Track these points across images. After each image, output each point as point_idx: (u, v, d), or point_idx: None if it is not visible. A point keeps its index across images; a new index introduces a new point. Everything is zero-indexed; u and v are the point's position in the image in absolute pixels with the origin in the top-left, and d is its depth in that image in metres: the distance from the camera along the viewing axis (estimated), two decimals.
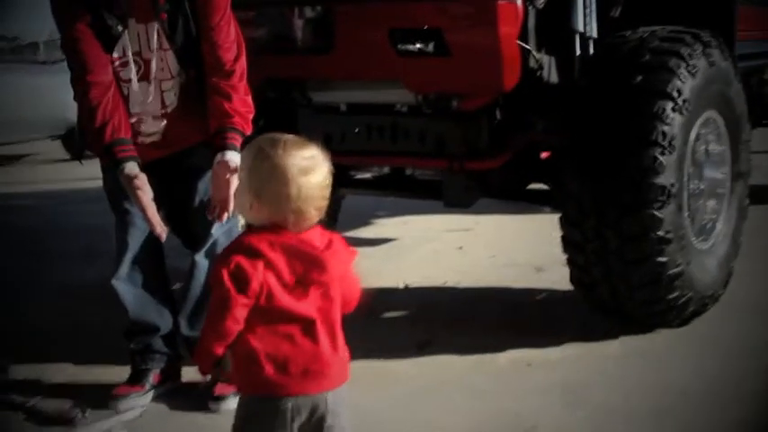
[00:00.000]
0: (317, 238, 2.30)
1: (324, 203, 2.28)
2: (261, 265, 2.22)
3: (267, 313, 2.25)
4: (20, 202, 9.06)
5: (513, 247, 6.12)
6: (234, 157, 3.38)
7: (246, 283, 2.21)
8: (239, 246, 2.28)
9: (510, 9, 3.89)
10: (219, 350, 2.29)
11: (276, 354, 2.26)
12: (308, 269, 2.25)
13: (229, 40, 3.55)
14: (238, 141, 3.44)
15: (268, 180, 2.24)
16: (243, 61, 3.59)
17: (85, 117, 3.51)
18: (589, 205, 3.96)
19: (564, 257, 4.25)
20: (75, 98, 3.54)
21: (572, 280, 4.24)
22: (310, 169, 2.24)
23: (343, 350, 2.36)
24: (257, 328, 2.26)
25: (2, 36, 17.48)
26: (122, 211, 3.66)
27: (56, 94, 9.30)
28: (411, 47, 4.02)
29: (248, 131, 3.52)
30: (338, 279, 2.32)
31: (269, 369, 2.25)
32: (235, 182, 3.24)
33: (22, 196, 9.46)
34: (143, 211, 3.39)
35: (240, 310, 2.24)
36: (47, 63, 13.08)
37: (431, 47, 3.99)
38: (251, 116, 3.58)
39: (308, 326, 2.28)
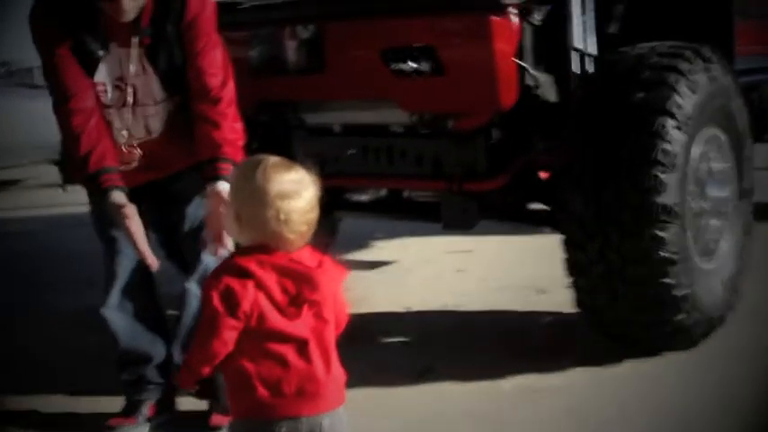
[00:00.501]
0: (307, 257, 2.30)
1: (305, 228, 2.27)
2: (251, 285, 2.22)
3: (259, 334, 2.24)
4: (14, 227, 9.02)
5: (514, 270, 6.02)
6: (226, 188, 3.29)
7: (236, 304, 2.21)
8: (229, 267, 2.28)
9: (505, 25, 3.79)
10: (205, 371, 2.31)
11: (269, 375, 2.24)
12: (299, 288, 2.25)
13: (215, 65, 3.44)
14: (229, 171, 3.32)
15: (248, 203, 2.27)
16: (231, 87, 3.47)
17: (69, 145, 3.41)
18: (591, 226, 3.87)
19: (567, 279, 4.16)
20: (58, 123, 3.44)
21: (576, 303, 4.14)
22: (293, 193, 2.25)
23: (339, 371, 2.35)
24: (249, 350, 2.25)
25: None
26: (109, 239, 3.56)
27: (50, 119, 9.17)
28: (404, 66, 3.93)
29: (239, 158, 3.39)
30: (331, 298, 2.32)
31: (262, 391, 2.24)
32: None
33: (16, 221, 9.43)
34: (132, 241, 3.28)
35: (229, 332, 2.24)
36: (41, 87, 12.98)
37: (424, 65, 3.90)
38: (241, 143, 3.46)
39: (301, 346, 2.27)
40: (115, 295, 3.62)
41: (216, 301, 2.22)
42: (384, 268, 6.39)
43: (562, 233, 4.07)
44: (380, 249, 7.01)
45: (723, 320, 4.28)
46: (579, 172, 3.94)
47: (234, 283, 2.22)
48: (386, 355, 4.49)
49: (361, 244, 7.10)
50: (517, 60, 3.91)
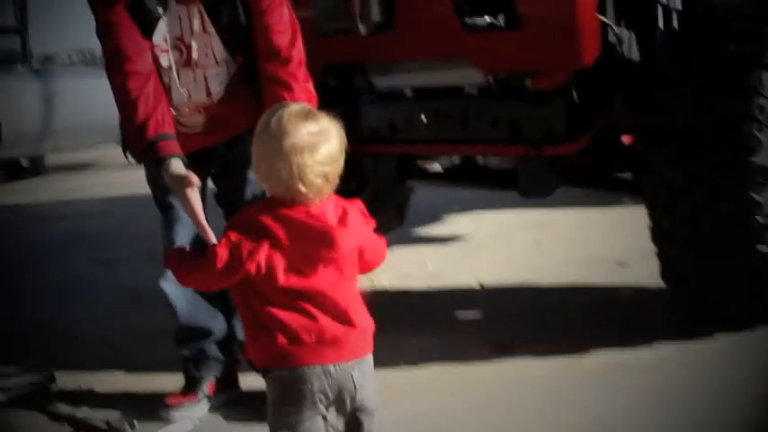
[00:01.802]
0: (330, 210, 2.25)
1: (320, 182, 2.21)
2: (262, 242, 2.20)
3: (272, 288, 2.22)
4: (85, 207, 9.01)
5: (592, 242, 5.81)
6: None
7: (240, 260, 2.19)
8: (244, 219, 2.27)
9: None
10: (181, 279, 2.41)
11: (288, 325, 2.22)
12: (316, 246, 2.21)
13: (282, 22, 3.22)
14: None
15: (264, 154, 2.24)
16: (300, 45, 3.25)
17: (125, 111, 3.17)
18: (680, 190, 3.62)
19: (649, 251, 3.92)
20: (111, 88, 3.21)
21: (661, 274, 3.89)
22: (308, 146, 2.19)
23: (364, 320, 2.31)
24: (265, 298, 2.24)
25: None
26: (167, 207, 3.38)
27: None
28: (479, 20, 3.69)
29: None
30: (352, 252, 2.28)
31: (281, 339, 2.21)
32: None
33: (86, 202, 9.42)
34: (191, 215, 2.97)
35: (222, 280, 2.27)
36: None
37: (500, 19, 3.66)
38: (315, 105, 3.26)
39: (317, 299, 2.23)
40: None
41: (223, 251, 2.21)
42: (458, 242, 6.19)
43: (647, 199, 3.84)
44: (454, 223, 6.81)
45: None
46: (667, 132, 3.68)
47: (243, 238, 2.21)
48: (461, 332, 4.30)
49: (435, 218, 6.91)
50: (600, 16, 3.66)
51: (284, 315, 2.22)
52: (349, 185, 4.96)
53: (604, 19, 3.69)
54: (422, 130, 4.32)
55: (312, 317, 2.22)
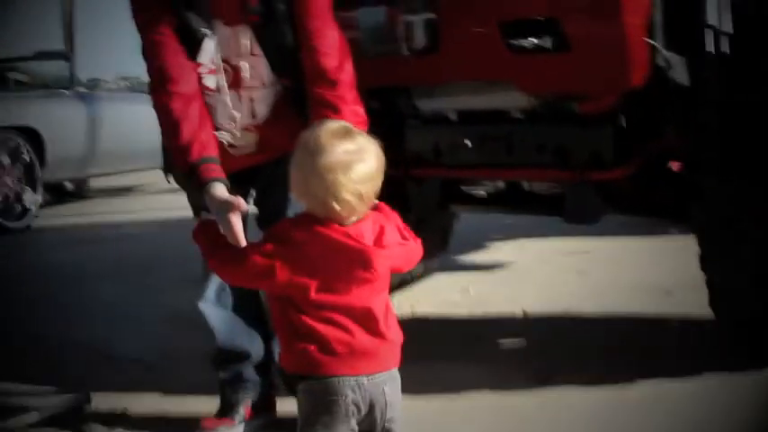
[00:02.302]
0: (368, 230, 2.27)
1: (354, 201, 2.23)
2: (294, 257, 2.24)
3: (306, 300, 2.25)
4: (126, 231, 9.05)
5: (637, 271, 5.71)
6: None
7: (272, 272, 2.25)
8: (281, 233, 2.30)
9: None
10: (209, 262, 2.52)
11: (321, 335, 2.24)
12: (352, 266, 2.24)
13: (331, 46, 3.17)
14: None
15: (300, 170, 2.27)
16: (349, 68, 3.19)
17: (169, 132, 3.10)
18: (730, 217, 3.53)
19: (696, 280, 3.84)
20: (155, 109, 3.15)
21: (710, 303, 3.79)
22: (342, 165, 2.21)
23: (394, 334, 2.34)
24: (300, 311, 2.26)
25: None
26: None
27: None
28: (525, 42, 3.62)
29: None
30: (387, 271, 2.31)
31: (314, 348, 2.24)
32: None
33: (128, 225, 9.47)
34: (233, 240, 2.94)
35: (242, 281, 2.46)
36: None
37: (547, 41, 3.59)
38: (364, 129, 3.20)
39: (351, 312, 2.27)
40: (213, 288, 3.41)
41: (256, 257, 2.29)
42: (501, 269, 6.12)
43: (696, 226, 3.75)
44: (497, 250, 6.74)
45: None
46: (716, 159, 3.60)
47: (278, 249, 2.25)
48: (504, 361, 4.22)
49: (478, 245, 6.85)
50: (648, 39, 3.59)
51: (317, 326, 2.24)
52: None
53: (653, 42, 3.62)
54: (466, 154, 4.25)
55: (345, 329, 2.25)
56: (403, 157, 4.44)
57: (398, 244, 2.33)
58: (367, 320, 2.27)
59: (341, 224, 2.25)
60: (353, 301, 2.26)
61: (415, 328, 4.67)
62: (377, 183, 2.29)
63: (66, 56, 11.66)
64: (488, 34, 3.71)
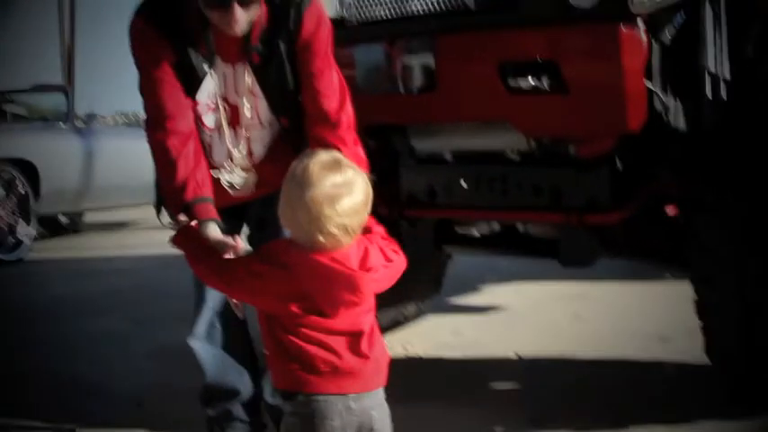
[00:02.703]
0: (353, 253, 2.29)
1: (339, 233, 2.24)
2: (280, 275, 2.28)
3: (292, 321, 2.28)
4: (119, 265, 9.00)
5: (633, 316, 5.68)
6: None
7: (259, 291, 2.32)
8: (271, 254, 2.34)
9: (634, 39, 3.44)
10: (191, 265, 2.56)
11: (307, 354, 2.27)
12: (339, 290, 2.26)
13: (332, 87, 3.15)
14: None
15: (287, 200, 2.29)
16: (349, 109, 3.17)
17: (163, 170, 3.06)
18: (729, 261, 3.50)
19: (692, 327, 3.80)
20: (150, 146, 3.10)
21: (705, 350, 3.76)
22: (330, 198, 2.23)
23: (379, 352, 2.36)
24: (286, 330, 2.29)
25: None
26: None
27: None
28: (523, 83, 3.61)
29: None
30: (372, 294, 2.34)
31: (299, 367, 2.27)
32: None
33: (121, 260, 9.42)
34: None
35: (223, 290, 2.53)
36: None
37: (545, 82, 3.58)
38: (365, 170, 3.18)
39: (336, 333, 2.29)
40: (203, 324, 3.38)
41: (241, 272, 2.35)
42: (495, 312, 6.07)
43: (692, 271, 3.72)
44: (491, 293, 6.70)
45: None
46: (714, 204, 3.58)
47: (265, 269, 2.30)
48: (497, 404, 4.17)
49: (472, 287, 6.80)
50: (647, 83, 3.58)
51: (304, 346, 2.27)
52: None
53: (651, 86, 3.61)
54: (461, 195, 4.23)
55: (330, 350, 2.27)
56: (397, 196, 4.42)
57: (383, 266, 2.34)
58: (352, 341, 2.30)
59: (327, 250, 2.27)
60: (340, 322, 2.28)
61: (408, 369, 4.67)
62: (363, 216, 2.31)
63: (65, 89, 11.66)
64: (486, 74, 3.70)
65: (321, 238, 2.23)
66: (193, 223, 2.78)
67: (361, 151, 3.18)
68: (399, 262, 2.42)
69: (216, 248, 2.60)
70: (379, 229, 2.44)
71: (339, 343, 2.29)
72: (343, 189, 2.25)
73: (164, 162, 3.05)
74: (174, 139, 3.02)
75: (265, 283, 2.30)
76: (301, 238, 2.27)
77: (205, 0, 2.90)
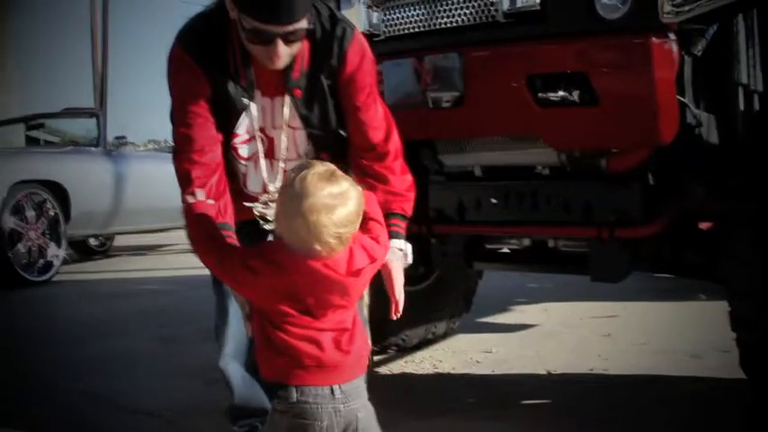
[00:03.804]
0: (343, 258, 2.39)
1: (334, 242, 2.34)
2: (275, 274, 2.37)
3: (281, 318, 2.38)
4: (147, 287, 9.07)
5: (665, 334, 5.61)
6: (401, 246, 3.00)
7: (251, 284, 2.43)
8: (268, 253, 2.42)
9: (666, 50, 3.41)
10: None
11: (294, 350, 2.38)
12: (329, 294, 2.38)
13: (378, 118, 3.12)
14: (402, 227, 3.03)
15: (284, 209, 2.39)
16: (395, 139, 3.14)
17: (186, 207, 2.96)
18: (762, 276, 3.45)
19: (724, 344, 3.76)
20: (176, 173, 3.04)
21: (741, 363, 3.71)
22: (325, 208, 2.32)
23: (360, 345, 2.48)
24: (274, 326, 2.39)
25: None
26: (222, 290, 3.27)
27: None
28: (552, 95, 3.59)
29: (410, 212, 3.09)
30: (360, 294, 2.53)
31: (285, 361, 2.39)
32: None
33: (150, 281, 9.51)
34: (240, 303, 2.76)
35: (218, 275, 2.62)
36: None
37: (575, 95, 3.56)
38: (412, 195, 3.14)
39: (323, 331, 2.40)
40: (231, 346, 3.35)
41: (237, 264, 2.44)
42: (525, 331, 6.03)
43: (727, 285, 3.66)
44: (521, 312, 6.65)
45: None
46: (748, 218, 3.54)
47: (259, 266, 2.39)
48: (527, 421, 4.13)
49: (501, 307, 6.76)
50: (678, 97, 3.55)
51: (291, 341, 2.37)
52: (416, 269, 4.89)
53: (683, 99, 3.58)
54: (491, 210, 4.21)
55: (317, 345, 2.38)
56: (426, 213, 4.40)
57: (369, 266, 2.45)
58: (337, 337, 2.41)
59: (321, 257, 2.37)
60: (326, 321, 2.40)
61: (437, 387, 4.64)
62: (355, 226, 2.40)
63: (96, 114, 11.75)
64: (516, 88, 3.68)
65: (318, 247, 2.33)
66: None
67: (409, 177, 3.17)
68: (381, 254, 2.55)
69: (221, 234, 2.71)
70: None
71: (324, 340, 2.39)
72: (338, 200, 2.35)
73: (188, 198, 2.96)
74: (198, 170, 2.96)
75: (257, 279, 2.39)
76: (297, 245, 2.36)
77: (249, 35, 2.84)
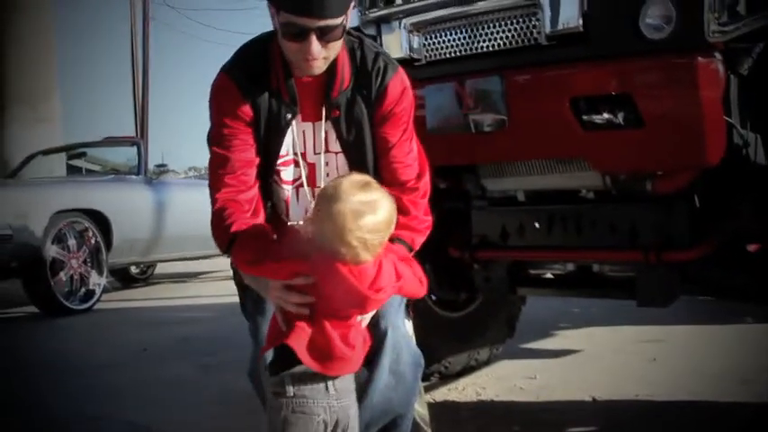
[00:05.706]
0: (369, 269, 2.49)
1: (360, 249, 2.44)
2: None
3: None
4: (188, 314, 9.07)
5: (712, 358, 5.52)
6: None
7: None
8: (303, 251, 2.55)
9: (712, 70, 3.37)
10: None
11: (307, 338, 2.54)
12: (348, 302, 2.52)
13: (411, 157, 3.09)
14: (401, 252, 2.92)
15: (317, 212, 2.52)
16: (426, 180, 3.12)
17: (214, 216, 3.00)
18: None
19: None
20: (210, 196, 3.04)
21: None
22: (355, 213, 2.43)
23: (362, 342, 2.63)
24: (296, 315, 2.57)
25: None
26: (253, 313, 3.25)
27: None
28: (597, 117, 3.55)
29: (416, 247, 3.04)
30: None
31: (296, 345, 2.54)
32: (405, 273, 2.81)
33: (191, 308, 9.50)
34: (300, 308, 2.88)
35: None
36: None
37: (620, 117, 3.51)
38: (425, 236, 3.09)
39: (336, 330, 2.56)
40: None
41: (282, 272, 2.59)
42: (569, 356, 5.96)
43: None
44: (565, 338, 6.59)
45: None
46: None
47: (293, 265, 2.55)
48: None
49: (545, 332, 6.70)
50: (725, 117, 3.49)
51: (307, 328, 2.54)
52: (459, 295, 4.85)
53: (729, 120, 3.53)
54: (535, 235, 4.17)
55: (328, 338, 2.53)
56: (469, 238, 4.36)
57: (392, 287, 2.56)
58: (346, 335, 2.56)
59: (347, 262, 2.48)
60: (341, 323, 2.55)
61: (481, 414, 4.59)
62: (384, 235, 2.51)
63: (137, 142, 11.83)
64: (559, 110, 3.64)
65: (342, 249, 2.43)
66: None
67: (429, 219, 3.12)
68: (409, 279, 2.65)
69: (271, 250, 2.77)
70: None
71: (337, 335, 2.53)
72: (367, 207, 2.46)
73: (219, 210, 2.99)
74: (225, 192, 2.97)
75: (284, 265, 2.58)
76: (324, 247, 2.47)
77: (284, 30, 2.85)
